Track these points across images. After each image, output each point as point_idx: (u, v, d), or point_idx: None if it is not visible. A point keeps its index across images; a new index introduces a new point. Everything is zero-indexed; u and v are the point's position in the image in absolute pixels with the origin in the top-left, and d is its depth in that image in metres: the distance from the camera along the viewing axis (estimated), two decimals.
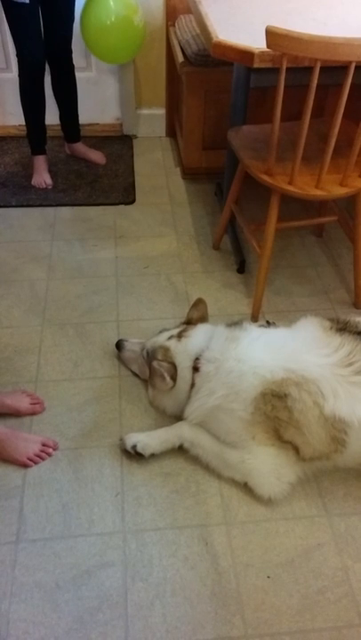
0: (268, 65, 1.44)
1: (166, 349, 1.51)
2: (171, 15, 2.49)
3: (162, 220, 2.37)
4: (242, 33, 1.54)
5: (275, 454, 1.36)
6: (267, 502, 1.39)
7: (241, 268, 2.11)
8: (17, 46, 2.20)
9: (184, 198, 2.50)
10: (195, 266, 2.14)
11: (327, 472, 1.47)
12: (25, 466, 1.46)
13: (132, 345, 1.70)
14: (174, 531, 1.35)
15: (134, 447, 1.46)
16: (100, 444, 1.53)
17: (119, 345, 1.72)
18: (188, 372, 1.47)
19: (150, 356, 1.56)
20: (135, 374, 1.70)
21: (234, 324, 1.51)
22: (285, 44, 1.34)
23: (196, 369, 1.45)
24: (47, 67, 2.33)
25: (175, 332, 1.57)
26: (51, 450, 1.48)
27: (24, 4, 2.03)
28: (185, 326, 1.60)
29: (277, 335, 1.51)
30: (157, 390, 1.55)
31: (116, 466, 1.48)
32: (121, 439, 1.51)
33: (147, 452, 1.46)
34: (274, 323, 1.85)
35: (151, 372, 1.56)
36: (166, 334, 1.57)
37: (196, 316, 1.63)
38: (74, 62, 2.39)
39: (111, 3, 2.19)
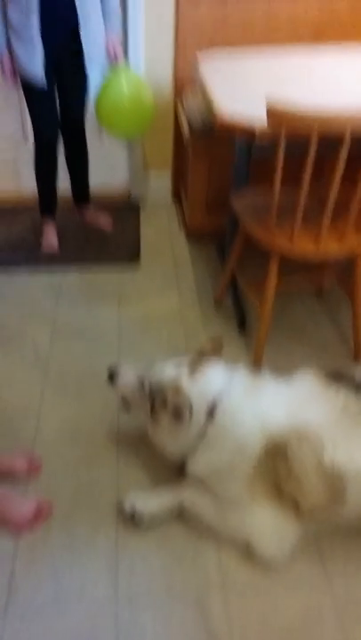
0: (269, 139, 1.52)
1: (176, 384, 1.38)
2: (179, 89, 2.66)
3: (165, 281, 2.42)
4: (244, 103, 1.65)
5: (275, 513, 1.33)
6: (267, 564, 1.34)
7: (242, 326, 2.13)
8: (33, 123, 2.36)
9: (187, 259, 2.57)
10: (196, 324, 2.17)
11: (327, 534, 1.42)
12: (18, 530, 1.43)
13: (128, 375, 1.54)
14: (169, 597, 1.30)
15: (133, 508, 1.43)
16: (95, 507, 1.50)
17: (112, 375, 1.56)
18: (201, 417, 1.36)
19: (154, 389, 1.43)
20: (140, 441, 1.62)
21: (253, 370, 1.48)
22: (284, 120, 1.43)
23: (210, 414, 1.37)
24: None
25: (184, 362, 1.45)
26: (46, 513, 1.46)
27: (40, 85, 2.20)
28: (197, 357, 1.47)
29: (281, 389, 1.47)
30: (161, 427, 1.42)
31: (111, 530, 1.44)
32: (119, 501, 1.47)
33: (146, 513, 1.42)
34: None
35: (158, 409, 1.42)
36: (173, 364, 1.45)
37: (211, 348, 1.51)
38: (86, 131, 2.54)
39: (124, 85, 2.34)
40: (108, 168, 2.95)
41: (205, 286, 2.38)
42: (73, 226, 2.78)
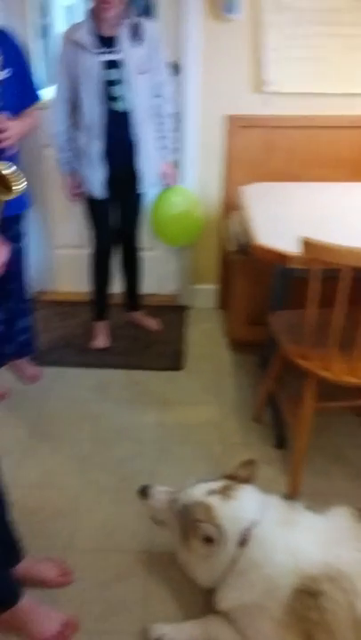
0: (302, 267, 1.63)
1: (208, 508, 1.39)
2: (227, 210, 2.87)
3: (206, 389, 2.49)
4: (282, 236, 1.77)
5: None
6: None
7: (280, 444, 2.15)
8: (91, 233, 2.60)
9: (229, 368, 2.64)
10: (235, 437, 2.20)
11: None
12: None
13: (160, 494, 1.56)
14: None
15: None
16: (122, 630, 1.49)
17: (144, 492, 1.58)
18: (233, 546, 1.35)
19: (185, 511, 1.43)
20: (172, 558, 1.60)
21: (288, 499, 1.47)
22: (317, 252, 1.54)
23: (242, 543, 1.36)
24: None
25: (217, 486, 1.45)
26: (71, 631, 1.45)
27: (99, 200, 2.43)
28: (229, 482, 1.47)
29: (316, 524, 1.45)
30: (192, 551, 1.41)
31: None
32: (146, 629, 1.46)
33: None
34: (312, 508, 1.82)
35: (188, 532, 1.42)
36: (205, 487, 1.45)
37: (243, 474, 1.51)
38: (141, 243, 2.76)
39: (176, 198, 2.57)
40: (159, 277, 3.14)
41: (245, 398, 2.43)
42: (122, 324, 2.93)
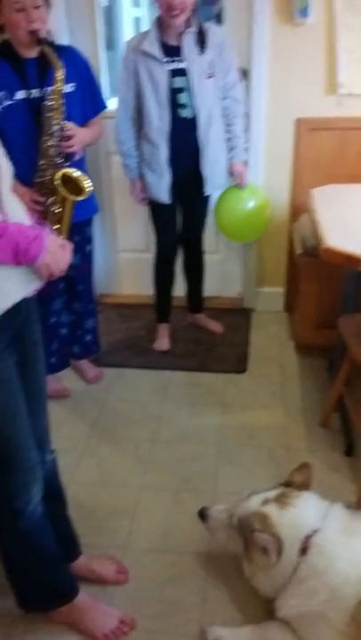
0: None
1: (264, 517, 1.35)
2: (294, 213, 2.79)
3: (270, 392, 2.40)
4: (351, 240, 1.68)
5: None
6: None
7: (349, 451, 2.03)
8: (156, 235, 2.60)
9: (295, 372, 2.54)
10: (300, 443, 2.10)
11: None
12: None
13: (219, 512, 1.53)
14: None
15: None
16: (177, 631, 1.44)
17: (203, 514, 1.56)
18: (294, 554, 1.30)
19: (243, 524, 1.41)
20: (230, 561, 1.56)
21: (353, 507, 1.39)
22: None
23: (303, 551, 1.30)
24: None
25: (272, 494, 1.42)
26: (127, 628, 1.42)
27: (165, 204, 2.42)
28: (284, 490, 1.44)
29: None
30: (255, 566, 1.39)
31: None
32: (203, 631, 1.41)
33: None
34: None
35: (249, 544, 1.40)
36: (259, 498, 1.42)
37: (299, 480, 1.48)
38: (205, 246, 2.73)
39: (249, 195, 2.51)
40: (223, 280, 3.10)
41: (312, 403, 2.32)
42: (185, 326, 2.91)
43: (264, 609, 1.43)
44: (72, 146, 1.95)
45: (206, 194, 2.47)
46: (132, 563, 1.63)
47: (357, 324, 1.89)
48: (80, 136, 1.98)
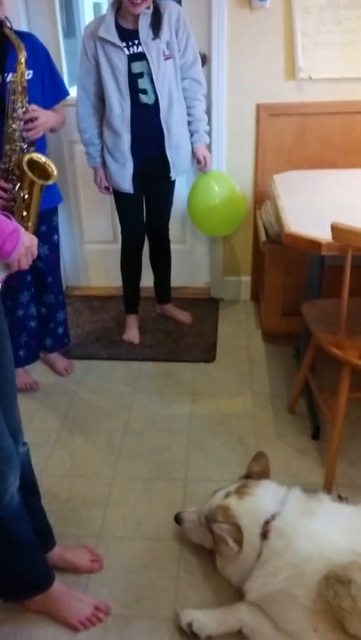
0: (335, 253, 1.58)
1: (225, 509, 1.44)
2: (258, 200, 2.82)
3: (239, 380, 2.45)
4: (313, 225, 1.71)
5: None
6: None
7: (315, 435, 2.09)
8: (122, 226, 2.59)
9: (263, 359, 2.59)
10: (268, 428, 2.15)
11: None
12: (75, 629, 1.43)
13: (190, 514, 1.62)
14: None
15: (190, 626, 1.39)
16: (152, 615, 1.47)
17: (178, 519, 1.65)
18: (256, 539, 1.38)
19: (209, 519, 1.50)
20: (202, 546, 1.61)
21: (310, 490, 1.45)
22: (349, 238, 1.48)
23: (264, 536, 1.37)
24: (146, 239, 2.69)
25: (232, 487, 1.50)
26: (102, 615, 1.45)
27: (129, 194, 2.42)
28: (244, 481, 1.52)
29: (347, 513, 1.44)
30: (224, 557, 1.46)
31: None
32: (176, 614, 1.44)
33: (203, 634, 1.38)
34: (346, 498, 1.76)
35: (215, 539, 1.49)
36: (222, 493, 1.51)
37: (257, 470, 1.57)
38: (172, 236, 2.74)
39: (214, 185, 2.53)
40: (191, 270, 3.12)
41: (280, 388, 2.38)
42: (154, 316, 2.92)
43: (236, 591, 1.47)
44: (37, 130, 1.90)
45: (172, 179, 2.47)
46: (105, 551, 1.65)
47: (321, 310, 1.94)
48: (44, 118, 1.92)
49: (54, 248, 2.31)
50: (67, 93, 2.17)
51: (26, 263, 1.17)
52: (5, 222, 1.12)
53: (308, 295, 2.11)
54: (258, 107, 2.65)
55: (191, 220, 2.72)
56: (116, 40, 2.16)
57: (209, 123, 2.54)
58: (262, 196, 2.79)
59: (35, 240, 1.21)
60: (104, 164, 2.41)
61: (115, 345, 2.71)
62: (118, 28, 2.18)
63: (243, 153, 2.76)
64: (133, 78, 2.22)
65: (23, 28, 2.56)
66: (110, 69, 2.21)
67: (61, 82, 2.15)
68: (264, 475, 1.57)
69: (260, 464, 1.59)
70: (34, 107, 1.90)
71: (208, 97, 2.60)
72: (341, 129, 2.66)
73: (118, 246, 2.70)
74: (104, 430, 2.17)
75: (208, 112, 2.58)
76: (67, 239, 3.11)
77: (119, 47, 2.17)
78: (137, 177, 2.39)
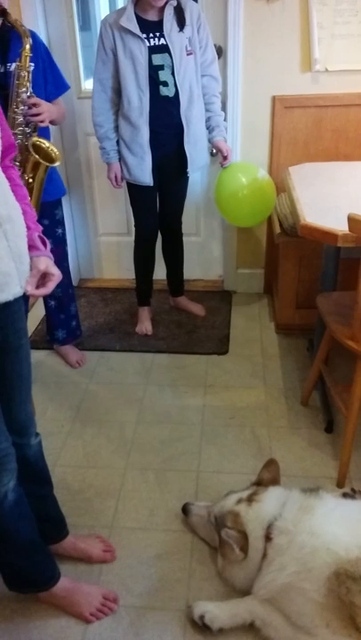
0: (352, 245, 1.55)
1: (236, 515, 1.45)
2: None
3: (252, 372, 2.44)
4: (328, 216, 1.69)
5: None
6: None
7: (329, 428, 2.07)
8: (135, 219, 2.58)
9: (276, 352, 2.58)
10: (281, 421, 2.14)
11: None
12: (87, 621, 1.43)
13: (199, 509, 1.64)
14: None
15: (202, 618, 1.39)
16: (164, 607, 1.47)
17: (185, 509, 1.67)
18: (260, 542, 1.40)
19: (219, 522, 1.51)
20: (204, 541, 1.63)
21: (310, 490, 1.46)
22: None
23: (268, 538, 1.39)
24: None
25: (245, 494, 1.52)
26: (112, 604, 1.45)
27: (144, 186, 2.41)
28: (255, 488, 1.55)
29: (354, 508, 1.44)
30: (227, 561, 1.47)
31: (179, 634, 1.40)
32: (188, 606, 1.44)
33: (215, 626, 1.37)
34: (359, 491, 1.75)
35: (221, 542, 1.49)
36: (235, 497, 1.52)
37: (267, 477, 1.59)
38: (185, 228, 2.72)
39: (241, 176, 2.50)
40: (204, 262, 3.11)
41: (293, 381, 2.36)
42: (167, 309, 2.92)
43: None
44: (41, 118, 1.91)
45: (189, 174, 2.45)
46: (118, 541, 1.65)
47: (336, 302, 1.92)
48: (46, 107, 1.93)
49: (59, 242, 2.29)
50: (67, 86, 2.17)
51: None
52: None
53: (323, 287, 2.09)
54: (273, 99, 2.62)
55: (220, 213, 2.67)
56: (138, 31, 2.15)
57: (225, 114, 2.51)
58: (277, 189, 2.76)
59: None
60: (119, 158, 2.40)
61: (128, 337, 2.71)
62: (138, 19, 2.17)
63: (258, 145, 2.73)
64: (154, 70, 2.21)
65: (40, 20, 2.55)
66: (129, 61, 2.19)
67: (62, 76, 2.15)
68: (274, 481, 1.59)
69: (271, 471, 1.61)
70: (34, 96, 1.91)
71: (224, 89, 2.58)
72: (357, 121, 2.62)
73: (132, 239, 2.70)
74: (117, 422, 2.17)
75: (223, 104, 2.56)
76: (81, 231, 3.12)
77: (140, 38, 2.16)
78: (153, 169, 2.38)
